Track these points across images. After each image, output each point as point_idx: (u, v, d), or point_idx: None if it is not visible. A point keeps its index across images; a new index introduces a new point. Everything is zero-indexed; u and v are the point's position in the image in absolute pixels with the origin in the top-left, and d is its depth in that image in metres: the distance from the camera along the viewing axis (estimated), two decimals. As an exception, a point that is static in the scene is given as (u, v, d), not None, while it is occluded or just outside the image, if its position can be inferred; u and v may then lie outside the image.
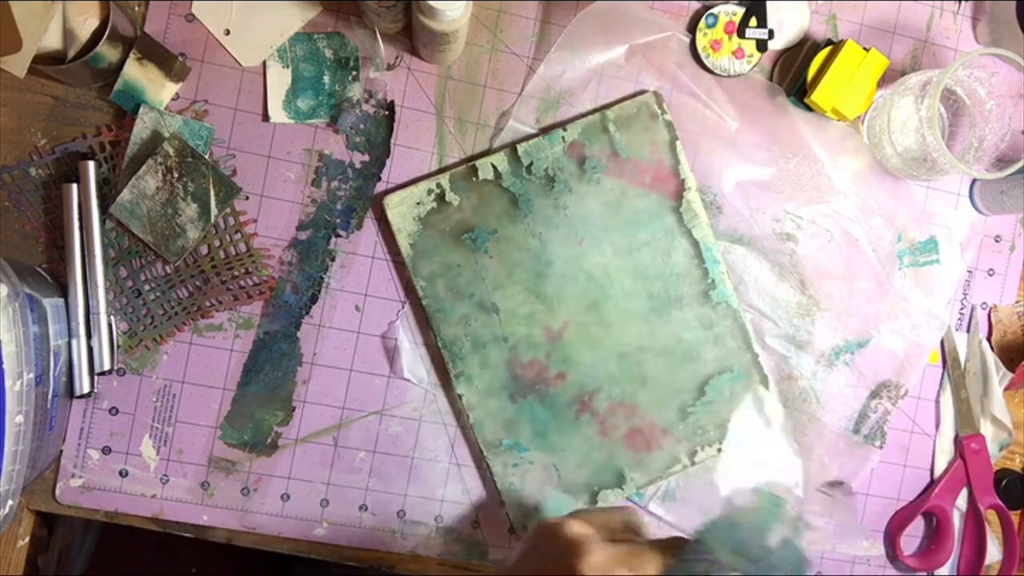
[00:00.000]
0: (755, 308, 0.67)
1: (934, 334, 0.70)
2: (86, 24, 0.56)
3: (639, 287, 0.65)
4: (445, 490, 0.66)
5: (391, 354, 0.65)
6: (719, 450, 0.66)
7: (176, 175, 0.60)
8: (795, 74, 0.67)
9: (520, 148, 0.64)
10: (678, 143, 0.65)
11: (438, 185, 0.64)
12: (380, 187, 0.64)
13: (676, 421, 0.66)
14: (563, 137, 0.64)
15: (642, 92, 0.65)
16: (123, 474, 0.63)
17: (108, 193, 0.61)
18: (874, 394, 0.69)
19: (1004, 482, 0.71)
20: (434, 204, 0.64)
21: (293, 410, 0.64)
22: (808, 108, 0.66)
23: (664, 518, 0.68)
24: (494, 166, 0.64)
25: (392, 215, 0.63)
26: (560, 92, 0.66)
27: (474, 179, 0.64)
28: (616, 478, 0.66)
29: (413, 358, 0.65)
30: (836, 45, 0.65)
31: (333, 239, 0.64)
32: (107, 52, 0.57)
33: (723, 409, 0.66)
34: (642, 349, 0.65)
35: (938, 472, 0.71)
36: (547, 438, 0.65)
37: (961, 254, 0.70)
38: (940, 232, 0.70)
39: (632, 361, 0.65)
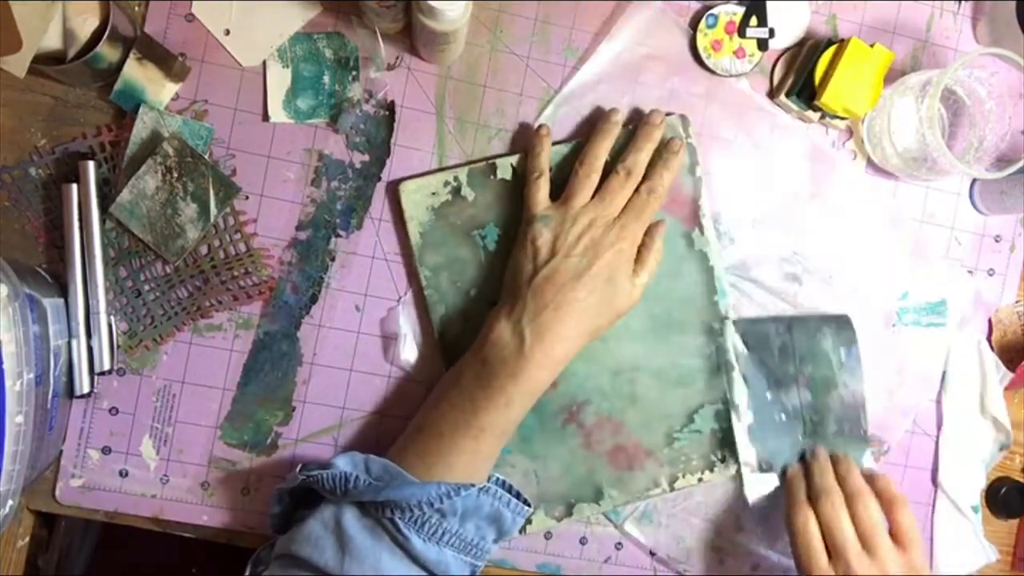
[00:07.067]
0: None
1: (918, 396, 0.70)
2: (86, 24, 0.56)
3: (641, 306, 0.62)
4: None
5: (388, 342, 0.65)
6: (700, 480, 0.66)
7: (176, 175, 0.60)
8: (795, 74, 0.67)
9: None
10: (698, 168, 0.64)
11: (455, 178, 0.63)
12: (380, 187, 0.64)
13: (661, 445, 0.65)
14: None
15: (670, 114, 0.64)
16: (123, 474, 0.63)
17: (108, 193, 0.61)
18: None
19: (1002, 491, 0.71)
20: (449, 197, 0.63)
21: (293, 410, 0.64)
22: (809, 108, 0.66)
23: (638, 539, 0.67)
24: (513, 167, 0.64)
25: (406, 201, 0.63)
26: (563, 94, 0.65)
27: (492, 177, 0.64)
28: (595, 493, 0.65)
29: (410, 347, 0.65)
30: (840, 44, 0.65)
31: (333, 239, 0.64)
32: (107, 52, 0.57)
33: (709, 439, 0.66)
34: (636, 368, 0.65)
35: (941, 470, 0.71)
36: (532, 444, 0.64)
37: (967, 323, 0.70)
38: (952, 296, 0.69)
39: (625, 378, 0.65)
